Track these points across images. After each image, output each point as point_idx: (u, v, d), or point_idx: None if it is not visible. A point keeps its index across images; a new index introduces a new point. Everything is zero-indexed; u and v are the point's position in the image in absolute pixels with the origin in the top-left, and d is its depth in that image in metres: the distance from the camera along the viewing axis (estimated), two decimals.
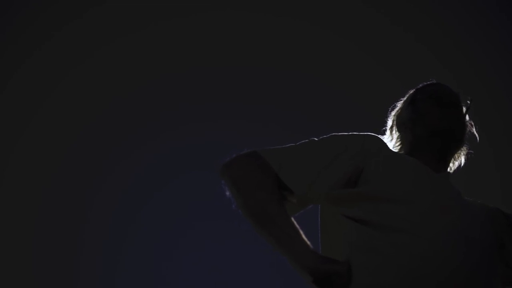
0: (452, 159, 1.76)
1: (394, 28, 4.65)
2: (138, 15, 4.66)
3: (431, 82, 1.79)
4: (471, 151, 1.78)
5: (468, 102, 1.74)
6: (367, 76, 4.63)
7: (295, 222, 1.55)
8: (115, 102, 4.77)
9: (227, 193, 1.61)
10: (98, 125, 4.81)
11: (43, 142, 4.79)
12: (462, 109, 1.73)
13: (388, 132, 1.82)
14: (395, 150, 1.78)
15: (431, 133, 1.69)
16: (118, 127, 4.81)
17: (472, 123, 1.77)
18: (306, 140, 1.67)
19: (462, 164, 1.78)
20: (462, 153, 1.77)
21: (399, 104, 1.82)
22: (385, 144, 1.72)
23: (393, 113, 1.83)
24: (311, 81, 4.71)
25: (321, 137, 1.67)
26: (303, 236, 1.53)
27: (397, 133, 1.79)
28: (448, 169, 1.75)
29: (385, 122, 1.85)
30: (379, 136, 1.74)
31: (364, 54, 4.71)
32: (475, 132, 1.76)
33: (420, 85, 1.79)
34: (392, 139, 1.80)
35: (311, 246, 1.52)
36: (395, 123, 1.80)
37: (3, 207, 4.75)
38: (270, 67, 4.73)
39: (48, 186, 4.79)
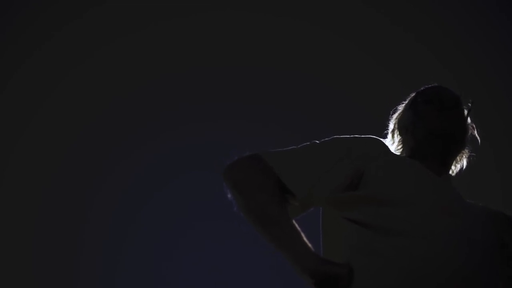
0: (454, 161, 1.76)
1: (394, 28, 4.65)
2: (138, 15, 4.66)
3: (432, 84, 1.79)
4: (473, 153, 1.78)
5: (469, 104, 1.74)
6: (367, 76, 4.64)
7: (296, 224, 1.56)
8: (115, 102, 4.77)
9: (229, 195, 1.62)
10: (98, 125, 4.81)
11: (43, 142, 4.79)
12: (463, 111, 1.74)
13: (389, 135, 1.83)
14: (397, 153, 1.78)
15: (432, 135, 1.69)
16: (118, 127, 4.81)
17: (474, 126, 1.77)
18: (308, 143, 1.68)
19: (464, 167, 1.79)
20: (464, 156, 1.78)
21: (401, 108, 1.83)
22: (386, 147, 1.72)
23: (394, 116, 1.84)
24: (311, 81, 4.71)
25: (322, 140, 1.68)
26: (304, 238, 1.53)
27: (398, 136, 1.80)
28: (450, 172, 1.76)
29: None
30: (380, 139, 1.75)
31: (364, 54, 4.72)
32: (476, 135, 1.77)
33: (421, 88, 1.79)
34: (393, 143, 1.81)
35: (312, 248, 1.52)
36: (396, 126, 1.81)
37: (3, 207, 4.76)
38: (270, 67, 4.74)
39: (48, 186, 4.79)
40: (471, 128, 1.77)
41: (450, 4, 4.55)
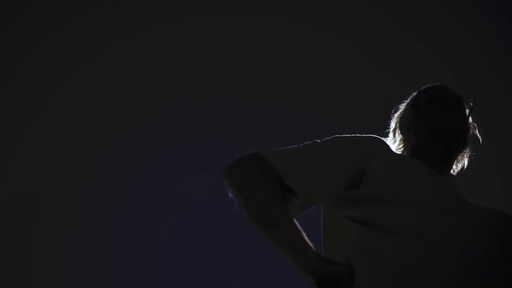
0: (455, 161, 1.77)
1: (394, 28, 4.66)
2: (138, 15, 4.66)
3: (433, 84, 1.80)
4: (474, 153, 1.78)
5: (471, 104, 1.75)
6: (367, 76, 4.64)
7: (297, 224, 1.56)
8: (115, 102, 4.77)
9: (230, 194, 1.61)
10: (98, 125, 4.81)
11: (43, 142, 4.80)
12: (464, 110, 1.74)
13: (391, 134, 1.83)
14: (398, 152, 1.79)
15: (433, 135, 1.69)
16: (118, 127, 4.81)
17: (475, 125, 1.77)
18: (309, 142, 1.68)
19: (465, 167, 1.79)
20: (465, 155, 1.78)
21: (402, 107, 1.83)
22: (387, 146, 1.73)
23: (396, 115, 1.84)
24: (311, 81, 4.72)
25: (323, 139, 1.68)
26: (305, 238, 1.53)
27: (400, 135, 1.80)
28: (451, 171, 1.76)
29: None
30: (381, 138, 1.75)
31: (364, 54, 4.72)
32: (478, 135, 1.77)
33: (423, 87, 1.80)
34: (395, 142, 1.81)
35: (313, 247, 1.52)
36: (398, 125, 1.81)
37: (3, 207, 4.76)
38: (270, 67, 4.74)
39: (48, 186, 4.80)
40: (473, 127, 1.77)
41: (450, 4, 4.55)
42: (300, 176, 1.59)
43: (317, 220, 1.67)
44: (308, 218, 1.67)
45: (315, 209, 1.67)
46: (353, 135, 1.69)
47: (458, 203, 1.62)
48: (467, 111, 1.74)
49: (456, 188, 1.69)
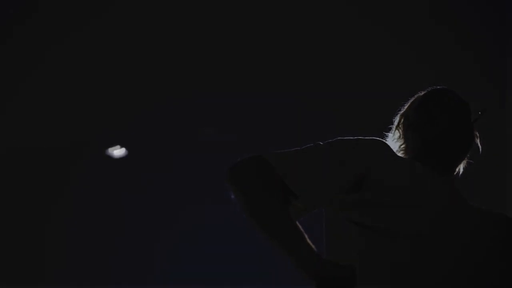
0: (458, 166, 1.77)
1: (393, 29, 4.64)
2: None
3: (441, 87, 1.80)
4: (471, 161, 1.79)
5: (480, 113, 1.77)
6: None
7: (299, 226, 1.56)
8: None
9: (232, 197, 1.62)
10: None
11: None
12: (470, 117, 1.75)
13: (393, 131, 1.82)
14: (400, 151, 1.78)
15: (438, 138, 1.71)
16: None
17: (478, 134, 1.79)
18: (311, 144, 1.66)
19: (461, 172, 1.79)
20: (465, 161, 1.79)
21: (407, 105, 1.83)
22: (390, 149, 1.71)
23: (400, 113, 1.83)
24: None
25: (326, 141, 1.66)
26: (308, 240, 1.53)
27: (402, 133, 1.79)
28: (454, 175, 1.77)
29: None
30: (384, 140, 1.75)
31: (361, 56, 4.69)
32: (478, 143, 1.78)
33: (430, 89, 1.80)
34: (396, 140, 1.80)
35: (315, 249, 1.52)
36: (401, 124, 1.81)
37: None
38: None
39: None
40: (475, 136, 1.78)
41: (451, 4, 4.53)
42: (302, 179, 1.58)
43: (319, 223, 1.69)
44: (311, 221, 1.68)
45: (317, 212, 1.68)
46: (355, 137, 1.68)
47: (460, 206, 1.64)
48: (472, 119, 1.76)
49: (459, 192, 1.70)
